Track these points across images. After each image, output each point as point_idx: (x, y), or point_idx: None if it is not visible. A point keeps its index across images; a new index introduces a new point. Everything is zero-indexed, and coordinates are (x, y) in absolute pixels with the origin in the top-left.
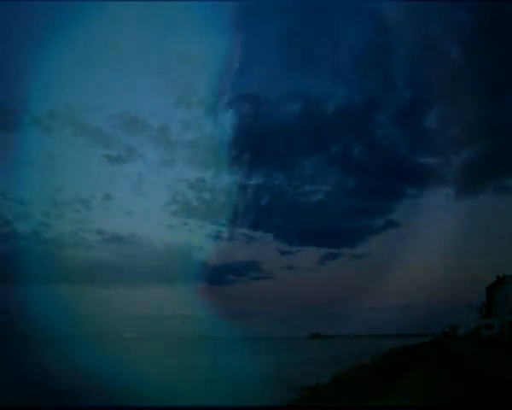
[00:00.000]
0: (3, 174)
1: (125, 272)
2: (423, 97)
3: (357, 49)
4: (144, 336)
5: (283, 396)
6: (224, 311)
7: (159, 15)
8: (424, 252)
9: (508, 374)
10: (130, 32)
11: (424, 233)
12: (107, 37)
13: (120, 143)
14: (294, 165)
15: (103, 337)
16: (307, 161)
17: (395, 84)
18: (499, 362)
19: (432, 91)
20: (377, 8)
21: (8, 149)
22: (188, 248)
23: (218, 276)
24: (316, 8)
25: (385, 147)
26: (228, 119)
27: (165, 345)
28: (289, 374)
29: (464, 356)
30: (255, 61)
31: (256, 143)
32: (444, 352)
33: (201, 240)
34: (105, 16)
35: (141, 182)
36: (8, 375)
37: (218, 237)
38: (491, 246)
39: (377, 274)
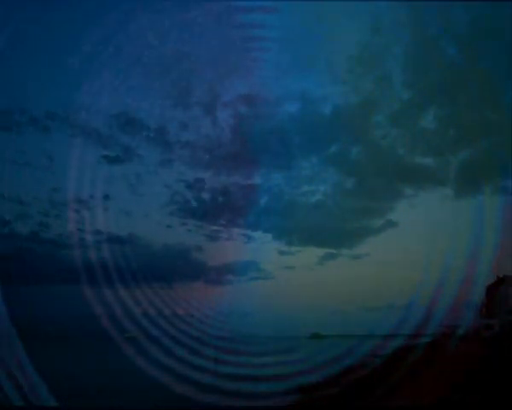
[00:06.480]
0: (1, 175)
1: (125, 273)
2: (421, 97)
3: (355, 49)
4: (144, 336)
5: (283, 396)
6: (223, 311)
7: (158, 15)
8: (423, 252)
9: (508, 375)
10: (129, 32)
11: (423, 233)
12: (105, 36)
13: (118, 144)
14: (292, 165)
15: (103, 337)
16: (305, 162)
17: (393, 84)
18: (499, 363)
19: (430, 91)
20: (374, 7)
21: (6, 150)
22: (187, 249)
23: (217, 276)
24: (313, 8)
25: (383, 147)
26: (226, 119)
27: (165, 345)
28: (289, 374)
29: (464, 357)
30: (253, 62)
31: (254, 144)
32: (443, 352)
33: (200, 240)
34: (103, 16)
35: (139, 182)
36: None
37: (216, 237)
38: (491, 246)
39: (377, 274)
